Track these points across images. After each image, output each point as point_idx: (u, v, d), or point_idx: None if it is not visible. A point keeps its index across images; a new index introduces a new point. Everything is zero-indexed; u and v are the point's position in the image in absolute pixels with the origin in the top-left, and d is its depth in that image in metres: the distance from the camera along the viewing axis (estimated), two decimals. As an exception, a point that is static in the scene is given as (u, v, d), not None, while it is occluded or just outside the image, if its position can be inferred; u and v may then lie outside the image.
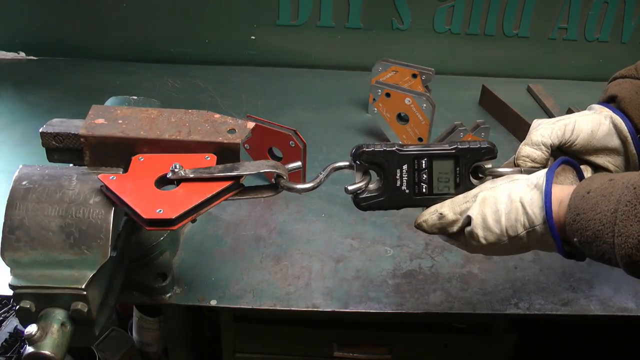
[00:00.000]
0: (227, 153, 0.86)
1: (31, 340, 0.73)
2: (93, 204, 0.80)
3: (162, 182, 0.83)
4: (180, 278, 1.06)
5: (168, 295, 1.02)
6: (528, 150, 0.87)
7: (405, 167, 0.83)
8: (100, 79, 1.72)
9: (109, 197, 0.81)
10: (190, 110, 0.92)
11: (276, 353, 1.27)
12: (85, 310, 0.77)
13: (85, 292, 0.76)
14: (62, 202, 0.79)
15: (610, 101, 0.96)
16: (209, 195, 0.80)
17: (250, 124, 0.89)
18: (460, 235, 0.83)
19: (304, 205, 1.26)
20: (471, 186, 0.84)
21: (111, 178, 0.81)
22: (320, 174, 0.85)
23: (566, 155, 0.87)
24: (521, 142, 0.90)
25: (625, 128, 0.91)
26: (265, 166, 0.84)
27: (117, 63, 1.80)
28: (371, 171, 0.84)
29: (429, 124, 1.40)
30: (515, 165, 0.88)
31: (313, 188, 0.85)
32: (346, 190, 0.84)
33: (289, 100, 1.67)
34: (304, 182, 0.86)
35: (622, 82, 0.97)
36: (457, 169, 0.83)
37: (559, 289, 1.10)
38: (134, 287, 1.02)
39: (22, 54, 1.83)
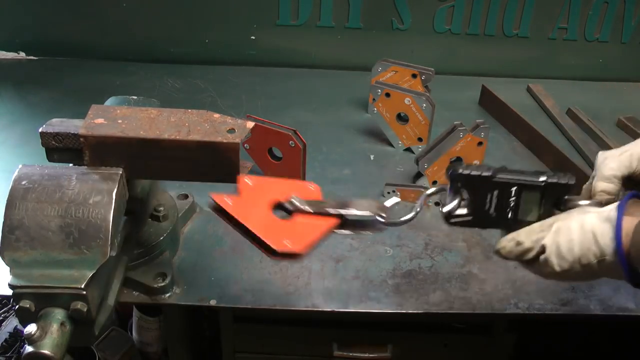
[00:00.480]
0: (226, 152, 0.86)
1: (31, 339, 0.73)
2: (93, 203, 0.80)
3: (277, 208, 0.86)
4: (180, 278, 1.06)
5: (168, 295, 1.02)
6: (603, 185, 0.91)
7: (496, 192, 0.86)
8: (100, 79, 1.72)
9: (224, 219, 0.85)
10: (190, 110, 0.93)
11: (276, 353, 1.27)
12: (85, 310, 0.77)
13: (84, 292, 0.76)
14: (62, 201, 0.79)
15: None
16: (324, 230, 0.84)
17: (250, 124, 0.89)
18: (535, 262, 0.86)
19: (304, 205, 1.26)
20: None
21: (227, 201, 0.84)
22: (416, 203, 0.88)
23: (638, 183, 0.91)
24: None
25: None
26: (374, 208, 0.87)
27: (117, 63, 1.80)
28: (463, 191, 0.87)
29: (429, 124, 1.40)
30: (592, 199, 0.91)
31: (413, 219, 0.88)
32: (442, 212, 0.87)
33: (289, 100, 1.67)
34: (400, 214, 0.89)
35: None
36: (543, 200, 0.87)
37: (558, 289, 1.09)
38: (134, 286, 1.02)
39: (22, 54, 1.83)
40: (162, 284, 1.00)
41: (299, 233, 0.82)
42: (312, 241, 0.82)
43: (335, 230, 0.87)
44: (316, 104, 1.66)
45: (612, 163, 0.91)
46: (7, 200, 0.79)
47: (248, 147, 1.29)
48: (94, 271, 0.77)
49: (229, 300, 1.04)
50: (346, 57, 1.85)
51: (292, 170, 1.24)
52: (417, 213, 0.87)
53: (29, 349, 0.74)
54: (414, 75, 1.52)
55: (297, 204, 0.85)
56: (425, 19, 1.79)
